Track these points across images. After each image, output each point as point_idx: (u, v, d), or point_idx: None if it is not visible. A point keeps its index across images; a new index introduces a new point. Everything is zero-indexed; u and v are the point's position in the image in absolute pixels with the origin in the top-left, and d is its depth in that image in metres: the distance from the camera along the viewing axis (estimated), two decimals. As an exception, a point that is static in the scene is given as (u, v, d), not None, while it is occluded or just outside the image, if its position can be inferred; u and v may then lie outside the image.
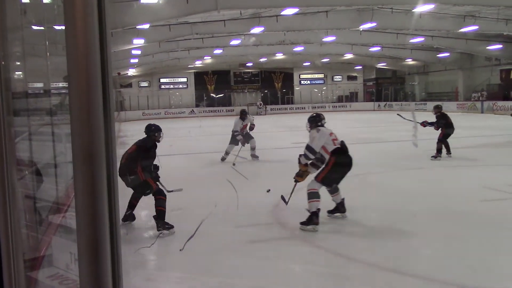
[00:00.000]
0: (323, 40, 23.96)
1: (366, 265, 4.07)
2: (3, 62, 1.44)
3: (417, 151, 9.67)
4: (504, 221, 5.29)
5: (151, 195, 5.12)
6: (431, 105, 17.08)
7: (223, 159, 10.35)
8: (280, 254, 4.46)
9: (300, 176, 5.37)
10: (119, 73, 31.59)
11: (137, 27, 17.47)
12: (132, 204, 5.37)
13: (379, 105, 38.09)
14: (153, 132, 5.38)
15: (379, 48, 29.20)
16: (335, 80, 42.88)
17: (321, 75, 42.53)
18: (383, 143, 13.74)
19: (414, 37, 24.95)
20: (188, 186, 7.47)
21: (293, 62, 38.65)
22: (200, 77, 39.21)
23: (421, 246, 4.67)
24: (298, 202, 5.38)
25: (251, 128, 10.52)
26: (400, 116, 10.13)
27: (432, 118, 10.00)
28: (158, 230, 4.95)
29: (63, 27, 0.75)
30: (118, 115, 24.47)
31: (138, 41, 19.60)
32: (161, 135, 5.43)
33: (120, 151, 5.25)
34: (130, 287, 3.40)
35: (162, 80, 39.01)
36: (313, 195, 5.09)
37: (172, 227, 5.00)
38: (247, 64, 37.82)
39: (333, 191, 5.43)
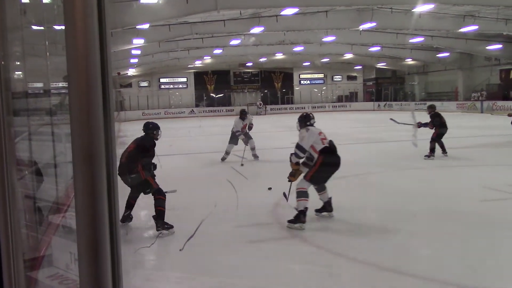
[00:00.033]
0: (323, 40, 23.97)
1: (366, 265, 4.07)
2: (3, 62, 1.44)
3: (417, 151, 9.67)
4: (504, 221, 5.28)
5: (150, 194, 5.11)
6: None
7: (223, 159, 10.35)
8: (280, 254, 4.46)
9: (292, 175, 5.43)
10: (119, 73, 31.58)
11: (137, 27, 17.47)
12: (130, 204, 5.33)
13: (379, 105, 38.11)
14: (151, 130, 5.37)
15: (379, 48, 29.21)
16: (335, 80, 42.90)
17: (321, 75, 42.55)
18: (383, 143, 13.73)
19: (414, 37, 24.97)
20: (188, 186, 7.48)
21: (293, 62, 38.67)
22: (200, 77, 39.22)
23: (421, 246, 4.67)
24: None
25: (250, 128, 10.54)
26: (393, 120, 10.14)
27: (426, 117, 10.03)
28: (157, 230, 4.94)
29: (63, 27, 0.75)
30: (118, 115, 24.45)
31: (138, 41, 19.60)
32: (159, 133, 5.43)
33: (120, 151, 5.24)
34: (130, 287, 3.39)
35: (162, 80, 39.02)
36: (301, 194, 5.13)
37: (171, 227, 4.99)
38: (247, 64, 37.83)
39: (320, 189, 5.47)
